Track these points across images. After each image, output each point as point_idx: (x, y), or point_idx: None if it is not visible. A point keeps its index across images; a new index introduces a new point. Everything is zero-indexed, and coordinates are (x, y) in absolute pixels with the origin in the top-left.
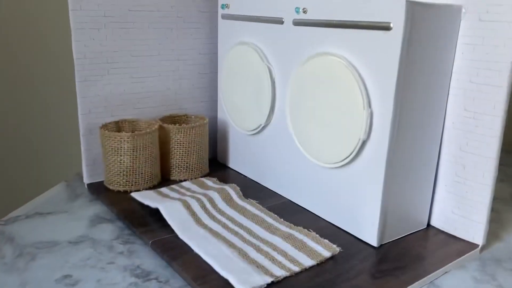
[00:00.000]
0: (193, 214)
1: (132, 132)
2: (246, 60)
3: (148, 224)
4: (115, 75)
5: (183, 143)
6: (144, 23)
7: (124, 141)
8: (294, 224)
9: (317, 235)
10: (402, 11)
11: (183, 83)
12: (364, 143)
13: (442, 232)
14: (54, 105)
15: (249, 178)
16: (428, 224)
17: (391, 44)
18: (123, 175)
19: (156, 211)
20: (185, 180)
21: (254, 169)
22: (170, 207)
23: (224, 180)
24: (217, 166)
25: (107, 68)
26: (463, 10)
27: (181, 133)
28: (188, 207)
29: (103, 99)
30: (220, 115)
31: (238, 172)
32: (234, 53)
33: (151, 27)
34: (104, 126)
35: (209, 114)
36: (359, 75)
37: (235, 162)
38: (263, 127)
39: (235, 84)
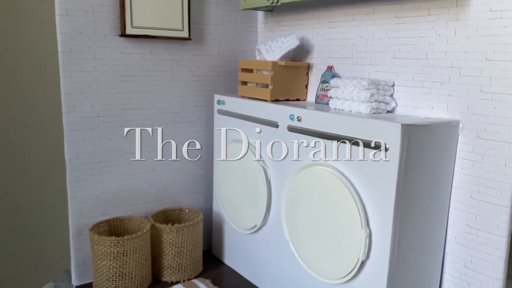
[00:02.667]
0: None
1: (124, 231)
2: (242, 158)
3: None
4: (107, 173)
5: (176, 243)
6: (139, 121)
7: (114, 245)
8: None
9: None
10: (398, 134)
11: (178, 176)
12: (363, 262)
13: None
14: (43, 203)
15: (245, 278)
16: None
17: (388, 164)
18: (113, 280)
19: None
20: (177, 283)
21: (250, 269)
22: None
23: (218, 281)
24: (212, 262)
25: (100, 167)
26: (461, 125)
27: (173, 232)
28: None
29: (94, 198)
30: (215, 207)
31: (233, 269)
32: (229, 149)
33: (146, 123)
34: (95, 227)
35: (204, 205)
36: (357, 192)
37: (230, 259)
38: (259, 228)
39: (231, 181)
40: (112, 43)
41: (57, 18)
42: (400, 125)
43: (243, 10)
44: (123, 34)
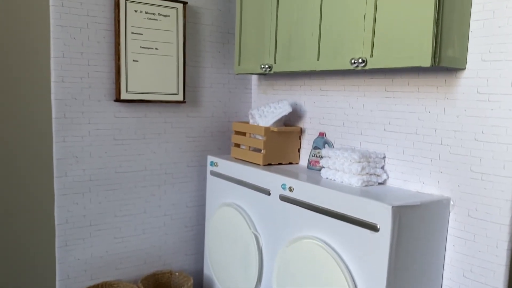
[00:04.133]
0: None
1: None
2: (233, 224)
3: None
4: (97, 237)
5: None
6: (131, 183)
7: None
8: None
9: None
10: (388, 215)
11: (168, 238)
12: None
13: None
14: (30, 268)
15: None
16: None
17: (379, 245)
18: None
19: None
20: None
21: None
22: None
23: None
24: None
25: (90, 231)
26: (452, 203)
27: None
28: None
29: (83, 262)
30: (206, 270)
31: None
32: (221, 213)
33: (138, 185)
34: None
35: (195, 267)
36: (348, 269)
37: None
38: None
39: (222, 245)
40: (106, 107)
41: (52, 84)
42: (390, 207)
43: (237, 74)
44: (118, 99)
